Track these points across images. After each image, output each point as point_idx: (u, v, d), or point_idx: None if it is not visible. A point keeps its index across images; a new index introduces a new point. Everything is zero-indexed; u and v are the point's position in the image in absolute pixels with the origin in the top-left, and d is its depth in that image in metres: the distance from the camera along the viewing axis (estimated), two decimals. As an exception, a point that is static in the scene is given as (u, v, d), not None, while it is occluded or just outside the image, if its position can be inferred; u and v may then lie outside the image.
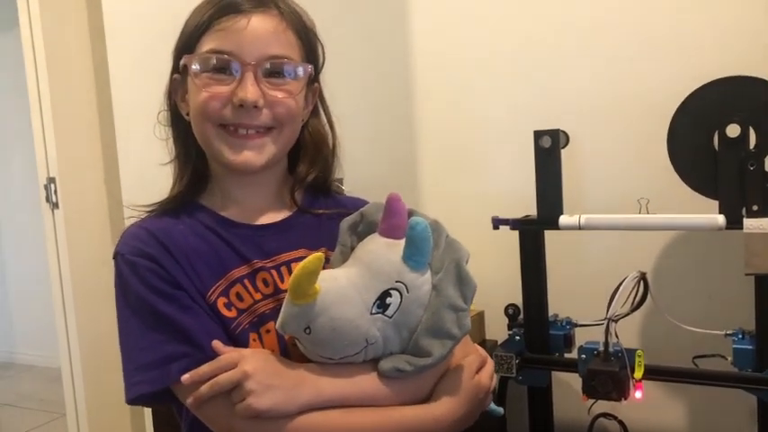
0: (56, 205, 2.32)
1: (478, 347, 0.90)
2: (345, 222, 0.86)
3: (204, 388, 0.74)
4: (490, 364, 0.89)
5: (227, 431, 0.75)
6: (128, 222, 0.89)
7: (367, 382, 0.77)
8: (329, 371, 0.77)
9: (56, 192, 2.30)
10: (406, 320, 0.77)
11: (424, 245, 0.78)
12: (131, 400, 0.79)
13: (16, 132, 3.89)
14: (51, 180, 2.31)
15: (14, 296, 4.21)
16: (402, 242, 0.79)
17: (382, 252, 0.78)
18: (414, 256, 0.77)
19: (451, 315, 0.77)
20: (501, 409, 0.90)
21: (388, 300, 0.76)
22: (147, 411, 2.14)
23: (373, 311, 0.76)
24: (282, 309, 0.76)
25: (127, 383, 0.79)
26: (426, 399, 0.81)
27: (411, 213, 0.81)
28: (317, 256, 0.72)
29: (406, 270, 0.77)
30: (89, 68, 2.40)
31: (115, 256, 0.83)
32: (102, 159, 2.43)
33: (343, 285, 0.76)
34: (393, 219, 0.80)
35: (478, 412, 0.85)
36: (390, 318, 0.76)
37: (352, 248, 0.83)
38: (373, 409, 0.77)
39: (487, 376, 0.87)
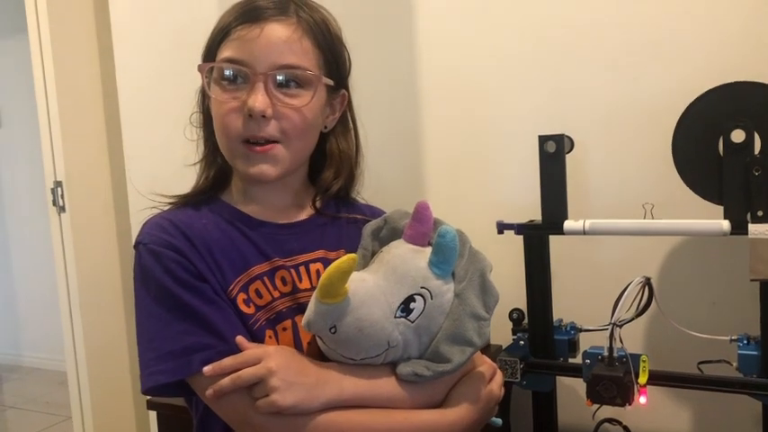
0: (63, 209, 2.32)
1: (487, 359, 0.91)
2: (369, 227, 0.87)
3: (226, 381, 0.74)
4: (500, 374, 0.90)
5: (245, 425, 0.76)
6: (134, 226, 0.90)
7: (385, 385, 0.78)
8: (350, 371, 0.77)
9: (63, 195, 2.31)
10: (428, 326, 0.78)
11: (451, 254, 0.79)
12: (148, 390, 0.79)
13: (23, 136, 3.90)
14: (58, 184, 2.32)
15: (21, 299, 4.22)
16: (427, 249, 0.80)
17: (409, 257, 0.80)
18: (440, 264, 0.79)
19: (473, 323, 0.78)
20: (500, 420, 0.91)
21: (412, 305, 0.77)
22: (153, 414, 2.13)
23: (397, 315, 0.77)
24: (309, 307, 0.76)
25: (145, 373, 0.79)
26: (439, 405, 0.82)
27: (437, 222, 0.82)
28: (351, 256, 0.73)
29: (431, 277, 0.78)
30: (96, 72, 2.41)
31: (136, 246, 0.83)
32: (108, 163, 2.44)
33: (371, 287, 0.77)
34: (420, 226, 0.81)
35: (486, 421, 0.86)
36: (413, 323, 0.77)
37: (373, 253, 0.84)
38: (392, 411, 0.78)
39: (498, 386, 0.88)
